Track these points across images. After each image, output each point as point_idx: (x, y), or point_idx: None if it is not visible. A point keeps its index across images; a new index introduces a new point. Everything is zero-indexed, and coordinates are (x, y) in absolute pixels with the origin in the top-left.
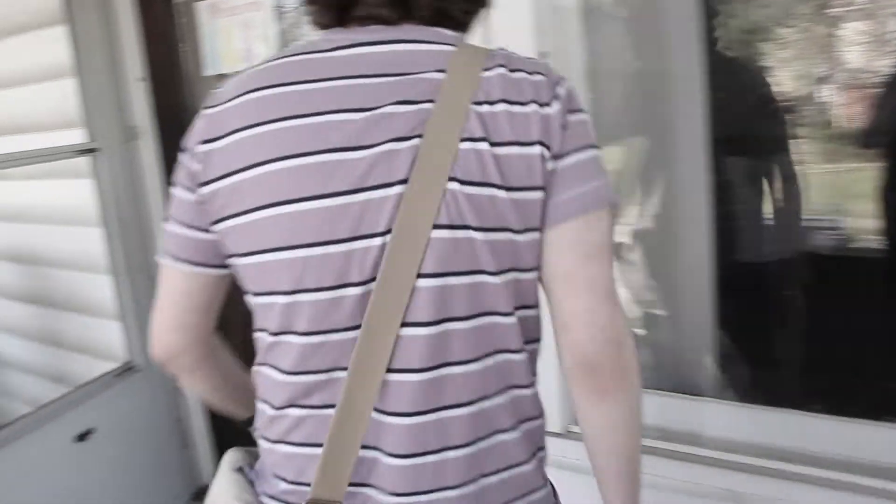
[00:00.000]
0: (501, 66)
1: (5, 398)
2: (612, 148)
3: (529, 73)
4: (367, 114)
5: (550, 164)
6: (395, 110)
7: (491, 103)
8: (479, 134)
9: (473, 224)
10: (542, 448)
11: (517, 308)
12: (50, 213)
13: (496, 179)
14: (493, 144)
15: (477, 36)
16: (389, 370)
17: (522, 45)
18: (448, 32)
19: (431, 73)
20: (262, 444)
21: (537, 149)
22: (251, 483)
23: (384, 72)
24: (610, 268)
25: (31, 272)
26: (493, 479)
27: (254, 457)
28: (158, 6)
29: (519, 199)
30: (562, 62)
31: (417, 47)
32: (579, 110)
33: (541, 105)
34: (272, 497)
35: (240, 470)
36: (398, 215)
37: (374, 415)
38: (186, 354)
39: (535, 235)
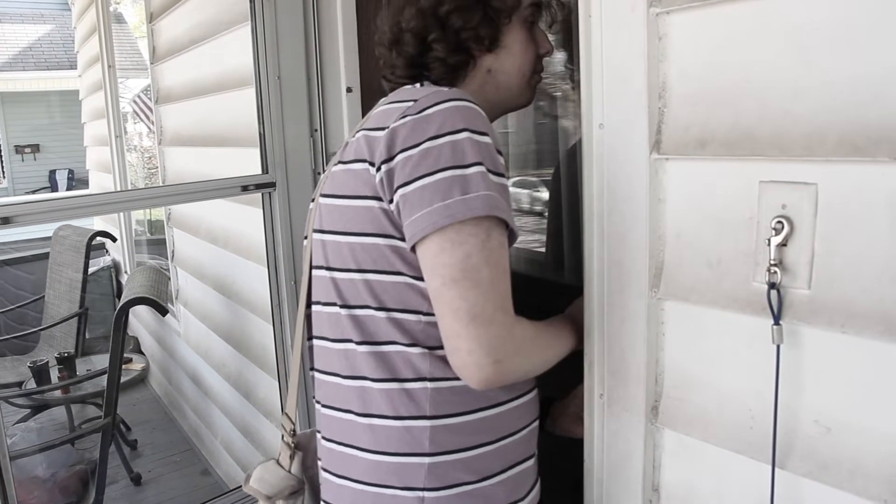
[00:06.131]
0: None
1: (207, 430)
2: None
3: (397, 104)
4: None
5: (378, 177)
6: None
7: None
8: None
9: (318, 228)
10: None
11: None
12: (248, 245)
13: (330, 190)
14: (342, 163)
15: None
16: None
17: None
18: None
19: None
20: None
21: (362, 165)
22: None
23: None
24: (473, 291)
25: (232, 309)
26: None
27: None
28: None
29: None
30: None
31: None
32: (421, 143)
33: (381, 129)
34: None
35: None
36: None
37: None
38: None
39: (348, 238)
